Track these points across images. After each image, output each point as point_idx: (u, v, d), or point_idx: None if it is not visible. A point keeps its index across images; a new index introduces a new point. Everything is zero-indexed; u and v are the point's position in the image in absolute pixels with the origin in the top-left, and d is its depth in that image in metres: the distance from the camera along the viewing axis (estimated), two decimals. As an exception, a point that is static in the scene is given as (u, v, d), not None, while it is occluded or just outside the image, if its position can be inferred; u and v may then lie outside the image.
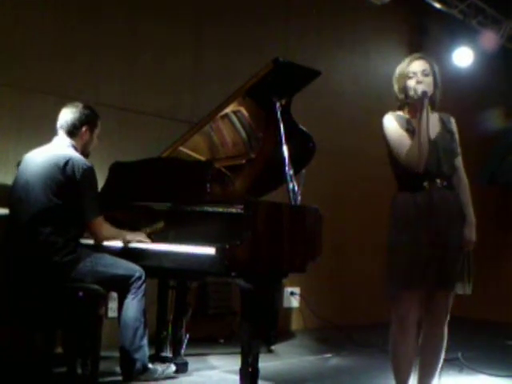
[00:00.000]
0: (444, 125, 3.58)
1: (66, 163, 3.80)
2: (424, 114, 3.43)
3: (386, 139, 3.57)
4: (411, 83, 3.53)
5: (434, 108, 3.61)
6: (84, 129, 4.00)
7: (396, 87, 3.63)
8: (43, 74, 4.98)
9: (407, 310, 3.48)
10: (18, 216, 3.85)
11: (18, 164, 4.03)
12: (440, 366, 3.60)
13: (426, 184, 3.47)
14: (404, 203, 3.53)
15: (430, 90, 3.52)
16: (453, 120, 3.63)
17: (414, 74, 3.54)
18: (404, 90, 3.57)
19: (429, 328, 3.60)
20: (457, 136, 3.61)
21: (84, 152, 4.04)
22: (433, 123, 3.56)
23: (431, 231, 3.42)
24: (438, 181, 3.48)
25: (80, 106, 4.03)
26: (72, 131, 3.98)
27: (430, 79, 3.54)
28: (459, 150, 3.60)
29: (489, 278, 7.86)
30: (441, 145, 3.50)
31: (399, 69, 3.62)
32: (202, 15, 6.07)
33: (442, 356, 3.59)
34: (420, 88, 3.49)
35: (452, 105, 3.71)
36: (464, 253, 3.49)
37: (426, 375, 3.61)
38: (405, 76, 3.56)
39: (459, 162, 3.60)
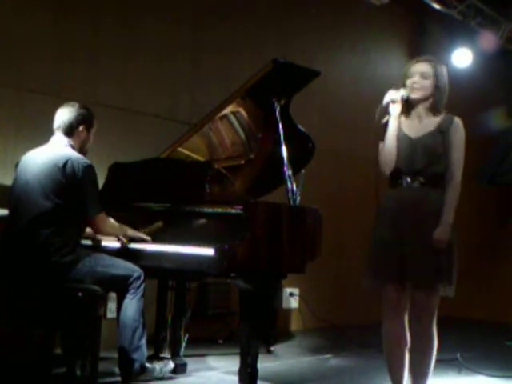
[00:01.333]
0: (440, 125, 3.57)
1: (66, 163, 3.80)
2: (392, 120, 3.55)
3: None
4: (408, 83, 3.61)
5: (436, 110, 3.61)
6: (81, 128, 4.00)
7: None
8: (42, 75, 4.97)
9: (392, 302, 3.56)
10: (18, 216, 3.85)
11: (16, 165, 4.03)
12: (432, 366, 3.59)
13: (400, 181, 3.56)
14: (385, 200, 3.64)
15: (424, 93, 3.58)
16: (455, 120, 3.58)
17: (412, 74, 3.60)
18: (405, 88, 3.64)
19: (414, 327, 3.61)
20: (453, 136, 3.54)
21: (81, 150, 4.04)
22: (429, 124, 3.58)
23: (402, 228, 3.48)
24: (413, 179, 3.52)
25: (76, 105, 4.02)
26: (69, 131, 3.98)
27: (428, 82, 3.57)
28: (455, 149, 3.53)
29: (488, 278, 7.87)
30: (421, 143, 3.53)
31: (404, 69, 3.69)
32: (201, 15, 6.06)
33: (433, 356, 3.58)
34: (398, 93, 3.57)
35: (451, 105, 3.70)
36: (441, 253, 3.44)
37: (417, 375, 3.61)
38: (406, 76, 3.64)
39: (453, 161, 3.53)
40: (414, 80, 3.57)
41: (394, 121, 3.56)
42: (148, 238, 4.03)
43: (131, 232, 4.05)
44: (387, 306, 3.60)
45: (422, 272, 3.43)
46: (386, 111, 3.58)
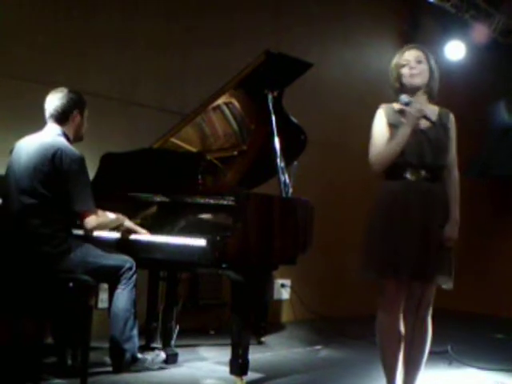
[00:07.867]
0: (440, 119, 3.57)
1: (55, 154, 3.76)
2: (410, 127, 3.45)
3: (371, 133, 3.61)
4: (405, 71, 3.57)
5: (432, 98, 3.63)
6: (75, 112, 3.94)
7: (392, 77, 3.65)
8: (32, 63, 4.94)
9: (391, 295, 3.51)
10: (9, 206, 3.84)
11: (11, 151, 3.98)
12: (425, 358, 3.61)
13: (405, 174, 3.50)
14: (384, 192, 3.57)
15: (423, 78, 3.56)
16: (451, 116, 3.61)
17: (407, 61, 3.57)
18: (398, 78, 3.61)
19: (411, 319, 3.60)
20: (452, 133, 3.58)
21: (77, 136, 3.99)
22: (430, 113, 3.55)
23: (407, 222, 3.43)
24: (420, 172, 3.48)
25: (65, 90, 3.94)
26: (63, 118, 3.91)
27: (423, 66, 3.57)
28: (452, 145, 3.57)
29: (478, 271, 7.89)
30: (427, 137, 3.50)
31: (394, 60, 3.66)
32: (193, 5, 6.03)
33: (427, 349, 3.59)
34: (415, 110, 3.48)
35: (443, 98, 3.71)
36: (445, 247, 3.46)
37: (411, 366, 3.61)
38: (399, 65, 3.61)
39: (451, 157, 3.56)
40: (412, 65, 3.55)
41: (410, 128, 3.47)
42: (144, 231, 4.01)
43: (128, 223, 4.02)
44: (385, 300, 3.54)
45: (429, 266, 3.41)
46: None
